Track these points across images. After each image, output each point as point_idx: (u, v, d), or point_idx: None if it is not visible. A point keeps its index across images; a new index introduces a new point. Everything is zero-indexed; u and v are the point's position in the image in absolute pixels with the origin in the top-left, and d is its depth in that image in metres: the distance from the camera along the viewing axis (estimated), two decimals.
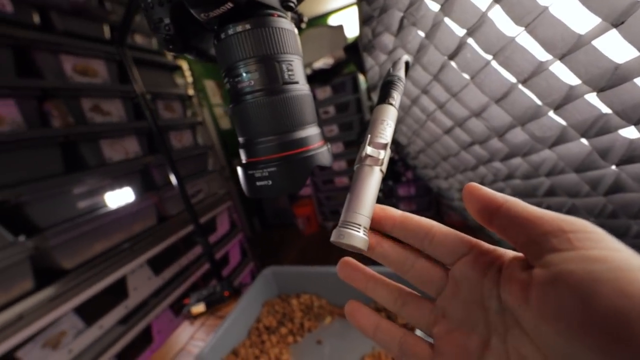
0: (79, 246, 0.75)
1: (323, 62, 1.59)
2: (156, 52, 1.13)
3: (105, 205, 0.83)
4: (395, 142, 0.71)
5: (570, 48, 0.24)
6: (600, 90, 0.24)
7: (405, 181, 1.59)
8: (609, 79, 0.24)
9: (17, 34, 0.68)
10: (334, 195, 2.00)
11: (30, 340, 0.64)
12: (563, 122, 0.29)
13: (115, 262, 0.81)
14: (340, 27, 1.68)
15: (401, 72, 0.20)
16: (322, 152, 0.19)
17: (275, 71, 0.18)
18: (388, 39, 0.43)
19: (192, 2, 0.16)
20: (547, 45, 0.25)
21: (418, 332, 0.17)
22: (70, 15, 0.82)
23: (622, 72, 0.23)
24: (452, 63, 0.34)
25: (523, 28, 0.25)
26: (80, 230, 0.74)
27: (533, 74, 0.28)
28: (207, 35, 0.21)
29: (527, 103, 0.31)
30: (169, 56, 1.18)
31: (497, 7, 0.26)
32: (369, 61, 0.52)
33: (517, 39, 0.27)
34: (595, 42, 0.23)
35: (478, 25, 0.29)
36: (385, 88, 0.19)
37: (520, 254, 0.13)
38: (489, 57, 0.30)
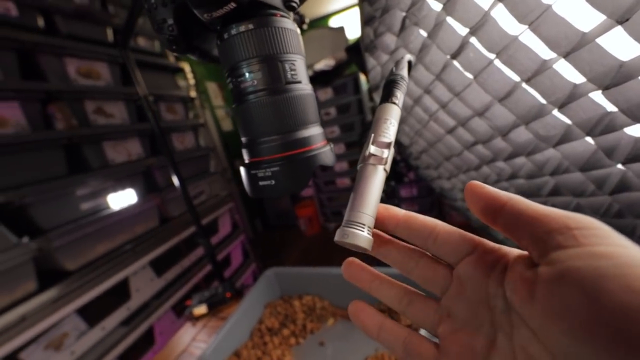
0: (82, 247, 0.75)
1: (324, 64, 1.59)
2: (158, 55, 1.14)
3: (108, 207, 0.84)
4: (397, 143, 0.70)
5: (575, 46, 0.24)
6: (605, 88, 0.24)
7: (407, 182, 1.58)
8: (613, 77, 0.23)
9: (22, 37, 0.69)
10: (336, 196, 2.00)
11: (33, 341, 0.64)
12: (568, 121, 0.29)
13: (118, 263, 0.82)
14: (341, 29, 1.69)
15: (404, 71, 0.20)
16: (325, 151, 0.19)
17: (278, 71, 0.18)
18: (390, 39, 0.43)
19: (196, 2, 0.16)
20: (550, 44, 0.25)
21: (422, 332, 0.16)
22: (74, 18, 0.83)
23: (627, 70, 0.23)
24: (455, 62, 0.34)
25: (526, 26, 0.25)
26: (83, 232, 0.74)
27: (537, 73, 0.28)
28: (210, 36, 0.21)
29: (530, 102, 0.30)
30: (171, 58, 1.19)
31: (500, 5, 0.26)
32: (370, 61, 0.52)
33: (520, 38, 0.27)
34: (599, 40, 0.23)
35: (481, 24, 0.28)
36: (388, 87, 0.19)
37: (525, 252, 0.12)
38: (492, 56, 0.30)
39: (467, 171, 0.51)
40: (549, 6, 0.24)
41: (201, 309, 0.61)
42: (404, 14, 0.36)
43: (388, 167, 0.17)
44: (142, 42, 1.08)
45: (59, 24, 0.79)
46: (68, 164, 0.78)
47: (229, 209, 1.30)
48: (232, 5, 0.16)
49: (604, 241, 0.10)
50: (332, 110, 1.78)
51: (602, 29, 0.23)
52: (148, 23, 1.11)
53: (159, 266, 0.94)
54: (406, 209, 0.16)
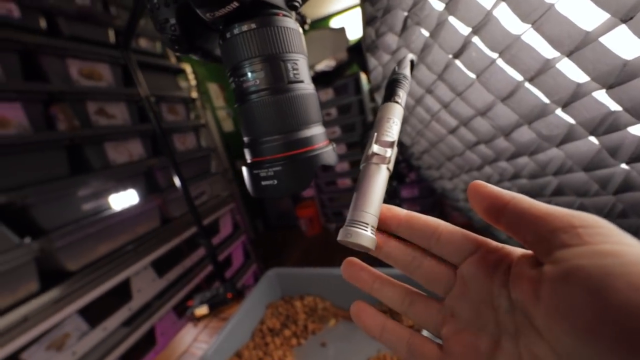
0: (84, 248, 0.76)
1: (325, 65, 1.59)
2: (160, 56, 1.14)
3: (109, 208, 0.84)
4: (398, 143, 0.70)
5: (578, 45, 0.24)
6: (609, 87, 0.24)
7: (408, 182, 1.58)
8: (617, 76, 0.23)
9: (24, 38, 0.69)
10: (337, 196, 1.99)
11: (35, 342, 0.64)
12: (571, 120, 0.29)
13: (119, 264, 0.82)
14: (342, 30, 1.69)
15: (407, 71, 0.20)
16: (327, 151, 0.19)
17: (281, 70, 0.18)
18: (391, 39, 0.43)
19: (198, 2, 0.16)
20: (554, 43, 0.25)
21: (425, 333, 0.16)
22: (76, 20, 0.83)
23: (631, 69, 0.22)
24: (457, 62, 0.34)
25: (529, 25, 0.25)
26: (85, 232, 0.74)
27: (540, 72, 0.27)
28: (212, 36, 0.21)
29: (533, 101, 0.30)
30: (173, 59, 1.19)
31: (503, 4, 0.26)
32: (372, 62, 0.52)
33: (523, 37, 0.27)
34: (603, 39, 0.23)
35: (483, 24, 0.28)
36: (391, 86, 0.19)
37: (529, 252, 0.12)
38: (494, 55, 0.29)
39: (469, 171, 0.51)
40: (552, 5, 0.24)
41: (202, 310, 0.61)
42: (405, 13, 0.36)
43: (391, 166, 0.17)
44: (143, 43, 1.08)
45: (61, 26, 0.79)
46: (70, 164, 0.78)
47: (230, 209, 1.30)
48: (235, 4, 0.16)
49: (610, 239, 0.10)
50: (333, 111, 1.78)
51: (606, 28, 0.22)
52: (149, 24, 1.12)
53: (160, 267, 0.94)
54: (408, 210, 0.16)
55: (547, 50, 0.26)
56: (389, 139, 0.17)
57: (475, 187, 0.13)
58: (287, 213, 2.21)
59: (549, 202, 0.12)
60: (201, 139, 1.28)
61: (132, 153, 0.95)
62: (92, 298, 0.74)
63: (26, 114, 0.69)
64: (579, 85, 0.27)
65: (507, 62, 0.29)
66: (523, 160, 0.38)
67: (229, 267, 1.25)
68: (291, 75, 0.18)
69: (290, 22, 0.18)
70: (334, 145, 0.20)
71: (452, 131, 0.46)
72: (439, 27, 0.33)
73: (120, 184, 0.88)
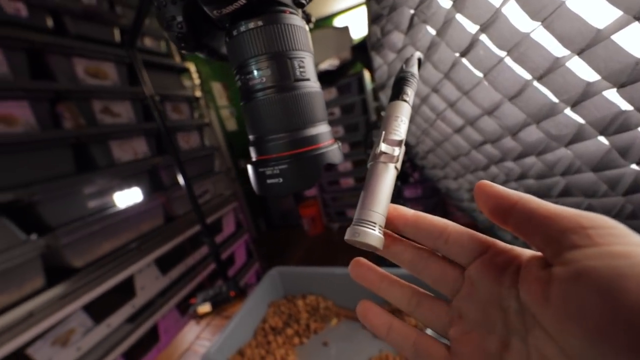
0: (89, 245, 0.76)
1: (329, 64, 1.59)
2: (165, 55, 1.15)
3: (114, 205, 0.85)
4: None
5: (589, 43, 0.23)
6: (620, 86, 0.23)
7: (412, 182, 1.57)
8: (629, 74, 0.23)
9: (32, 37, 0.70)
10: (340, 196, 1.99)
11: (40, 337, 0.65)
12: (580, 120, 0.28)
13: (124, 261, 0.82)
14: (346, 29, 1.68)
15: (414, 69, 0.20)
16: (332, 150, 0.19)
17: (287, 68, 0.17)
18: (397, 38, 0.43)
19: None
20: (564, 41, 0.24)
21: (429, 332, 0.16)
22: (83, 19, 0.84)
23: None
24: (464, 60, 0.34)
25: (539, 23, 0.25)
26: (90, 230, 0.75)
27: (549, 70, 0.27)
28: (218, 34, 0.21)
29: (542, 100, 0.30)
30: (177, 58, 1.20)
31: (512, 2, 0.26)
32: (377, 60, 0.51)
33: (532, 35, 0.26)
34: (615, 37, 0.23)
35: (491, 21, 0.28)
36: (399, 84, 0.19)
37: (538, 253, 0.12)
38: (502, 53, 0.29)
39: (475, 171, 0.50)
40: (563, 2, 0.23)
41: (205, 308, 0.61)
42: (412, 11, 0.36)
43: (399, 165, 0.16)
44: (148, 42, 1.09)
45: (67, 25, 0.80)
46: (76, 162, 0.78)
47: (233, 208, 1.30)
48: (242, 1, 0.16)
49: (621, 240, 0.10)
50: (337, 110, 1.78)
51: (618, 25, 0.22)
52: (154, 23, 1.12)
53: (163, 264, 0.95)
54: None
55: (556, 49, 0.26)
56: (397, 138, 0.16)
57: (482, 188, 0.13)
58: (290, 212, 2.22)
59: (556, 203, 0.11)
60: (205, 138, 1.28)
61: (137, 151, 0.96)
62: (97, 294, 0.75)
63: (33, 112, 0.70)
64: (589, 84, 0.26)
65: (516, 60, 0.28)
66: (530, 160, 0.37)
67: (231, 265, 1.26)
68: (297, 73, 0.18)
69: (297, 20, 0.18)
70: (340, 144, 0.20)
71: (458, 130, 0.45)
72: (446, 25, 0.33)
73: (125, 182, 0.88)
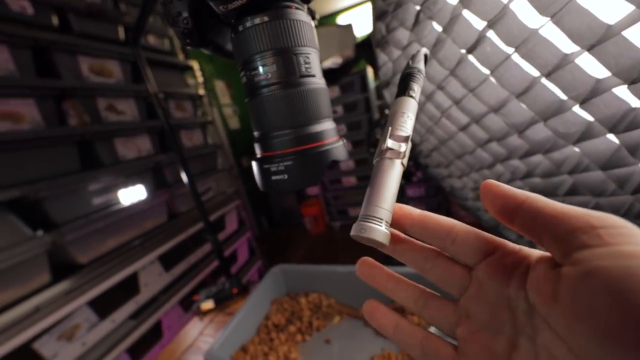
0: (94, 242, 0.77)
1: (331, 62, 1.58)
2: (168, 53, 1.15)
3: (118, 202, 0.85)
4: None
5: (600, 39, 0.23)
6: (631, 83, 0.23)
7: (415, 181, 1.57)
8: None
9: (37, 35, 0.71)
10: (342, 194, 1.99)
11: (46, 332, 0.66)
12: (589, 117, 0.28)
13: (128, 257, 0.83)
14: (349, 26, 1.67)
15: (421, 64, 0.20)
16: (337, 146, 0.19)
17: (293, 64, 0.17)
18: (402, 34, 0.42)
19: None
20: (573, 37, 0.24)
21: (432, 330, 0.16)
22: (87, 17, 0.84)
23: None
24: (470, 57, 0.33)
25: (548, 19, 0.24)
26: (95, 226, 0.76)
27: (557, 67, 0.27)
28: (224, 30, 0.21)
29: (550, 97, 0.29)
30: (181, 56, 1.20)
31: None
32: (381, 57, 0.51)
33: (540, 31, 0.26)
34: (626, 32, 0.22)
35: (499, 17, 0.28)
36: (405, 80, 0.19)
37: (547, 254, 0.12)
38: (510, 50, 0.29)
39: (480, 169, 0.50)
40: None
41: (208, 304, 0.62)
42: (418, 7, 0.35)
43: (405, 161, 0.16)
44: (152, 40, 1.09)
45: (72, 23, 0.80)
46: (81, 159, 0.79)
47: (236, 206, 1.31)
48: None
49: (632, 240, 0.09)
50: (339, 109, 1.77)
51: (630, 21, 0.21)
52: (158, 21, 1.12)
53: (167, 261, 0.96)
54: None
55: (565, 45, 0.25)
56: (403, 134, 0.16)
57: (488, 187, 0.13)
58: (292, 211, 2.22)
59: (562, 202, 0.11)
60: (208, 136, 1.28)
61: (141, 149, 0.97)
62: (102, 290, 0.75)
63: (39, 110, 0.71)
64: (598, 80, 0.26)
65: (523, 57, 0.28)
66: (537, 158, 0.37)
67: (234, 262, 1.26)
68: (303, 69, 0.18)
69: (302, 15, 0.18)
70: (344, 141, 0.20)
71: (463, 128, 0.45)
72: (452, 22, 0.32)
73: (129, 179, 0.89)
